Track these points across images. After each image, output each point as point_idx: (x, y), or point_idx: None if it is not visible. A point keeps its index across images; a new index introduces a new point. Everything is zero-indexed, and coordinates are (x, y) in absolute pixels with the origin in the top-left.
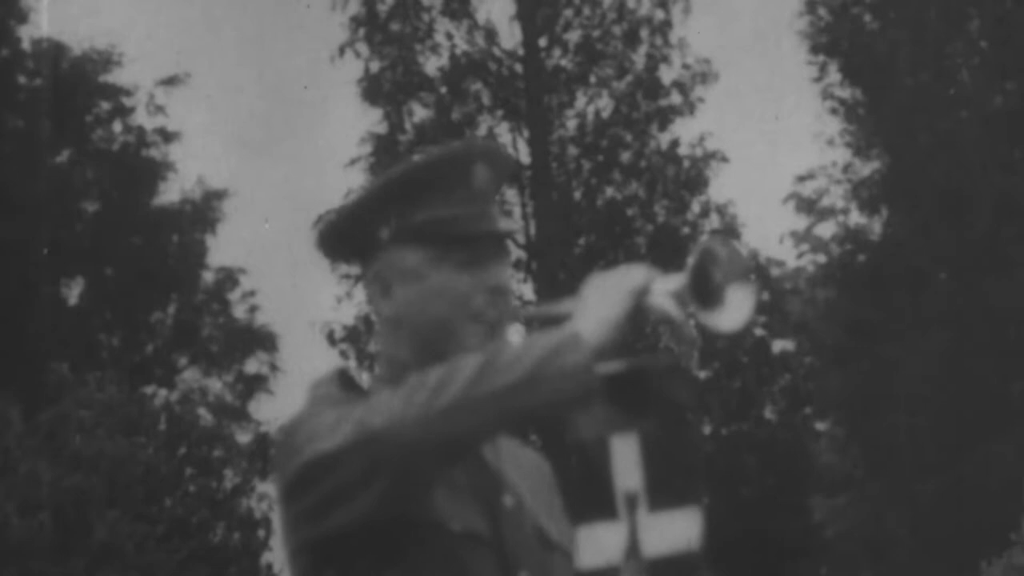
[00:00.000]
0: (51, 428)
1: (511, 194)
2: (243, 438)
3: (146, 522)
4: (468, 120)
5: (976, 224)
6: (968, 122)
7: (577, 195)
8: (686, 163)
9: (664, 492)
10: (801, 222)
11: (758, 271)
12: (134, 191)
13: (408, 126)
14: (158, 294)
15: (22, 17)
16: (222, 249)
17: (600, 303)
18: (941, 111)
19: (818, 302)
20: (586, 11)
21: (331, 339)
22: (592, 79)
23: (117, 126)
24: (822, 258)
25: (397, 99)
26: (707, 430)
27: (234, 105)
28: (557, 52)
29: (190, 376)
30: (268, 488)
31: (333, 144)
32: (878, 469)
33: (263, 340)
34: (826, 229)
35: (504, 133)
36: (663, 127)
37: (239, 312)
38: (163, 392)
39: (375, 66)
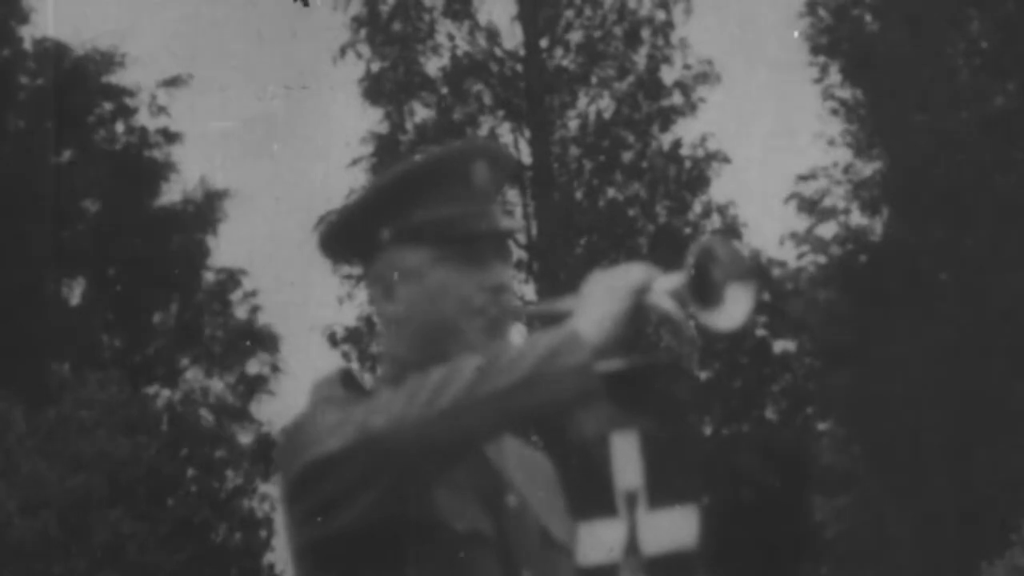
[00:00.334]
0: (53, 428)
1: (513, 194)
2: (245, 439)
3: (148, 522)
4: (469, 120)
5: (977, 225)
6: (969, 122)
7: (579, 195)
8: (688, 164)
9: (663, 490)
10: (802, 223)
11: (759, 271)
12: (136, 192)
13: (409, 126)
14: (160, 294)
15: (23, 17)
16: (224, 250)
17: (600, 301)
18: (942, 112)
19: (819, 302)
20: (587, 11)
21: (333, 340)
22: (593, 79)
23: (119, 127)
24: (823, 259)
25: (398, 99)
26: (707, 430)
27: (235, 105)
28: (559, 52)
29: (192, 376)
30: (270, 489)
31: (334, 144)
32: (879, 469)
33: (265, 341)
34: (827, 230)
35: (505, 133)
36: (665, 128)
37: (241, 313)
38: (165, 392)
39: (376, 66)
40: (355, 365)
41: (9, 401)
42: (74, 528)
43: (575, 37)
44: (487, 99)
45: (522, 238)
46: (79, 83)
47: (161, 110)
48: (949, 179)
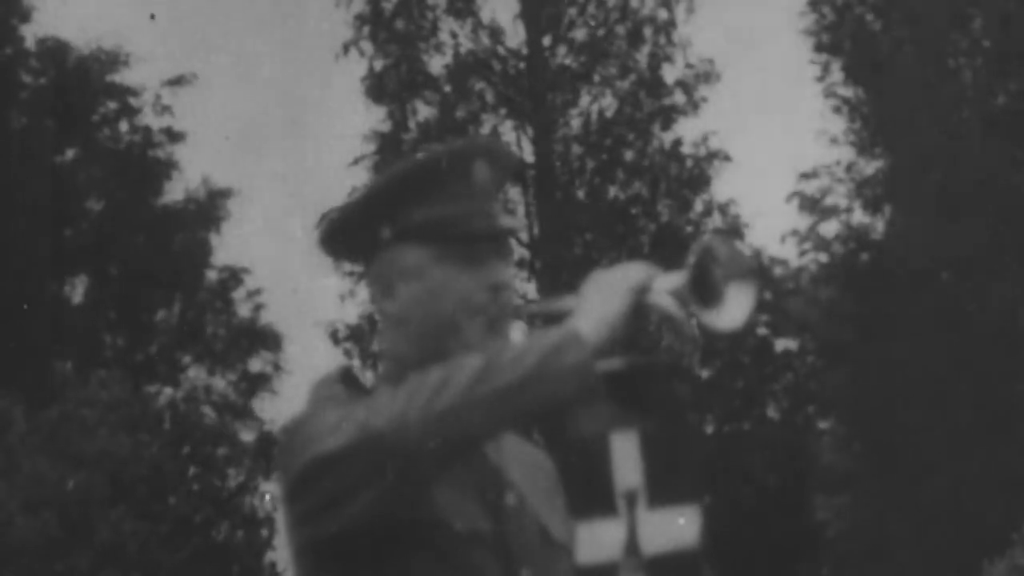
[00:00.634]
0: (54, 427)
1: (515, 192)
2: (247, 437)
3: (150, 520)
4: (472, 118)
5: (979, 223)
6: (971, 121)
7: (580, 194)
8: (689, 162)
9: (663, 490)
10: (804, 221)
11: (760, 270)
12: (139, 191)
13: (412, 124)
14: (162, 293)
15: (25, 16)
16: (226, 248)
17: (600, 301)
18: (944, 110)
19: (821, 301)
20: (590, 10)
21: (335, 338)
22: (596, 78)
23: (123, 126)
24: (825, 257)
25: (401, 97)
26: (709, 429)
27: (238, 104)
28: (561, 51)
29: (194, 375)
30: (271, 487)
31: (337, 142)
32: (880, 468)
33: (267, 339)
34: (829, 228)
35: (508, 132)
36: (666, 126)
37: (243, 311)
38: (167, 391)
39: (379, 64)
40: (357, 363)
41: (10, 399)
42: (76, 526)
43: (578, 36)
44: (490, 97)
45: (524, 236)
46: (82, 82)
47: (165, 109)
48: (951, 178)
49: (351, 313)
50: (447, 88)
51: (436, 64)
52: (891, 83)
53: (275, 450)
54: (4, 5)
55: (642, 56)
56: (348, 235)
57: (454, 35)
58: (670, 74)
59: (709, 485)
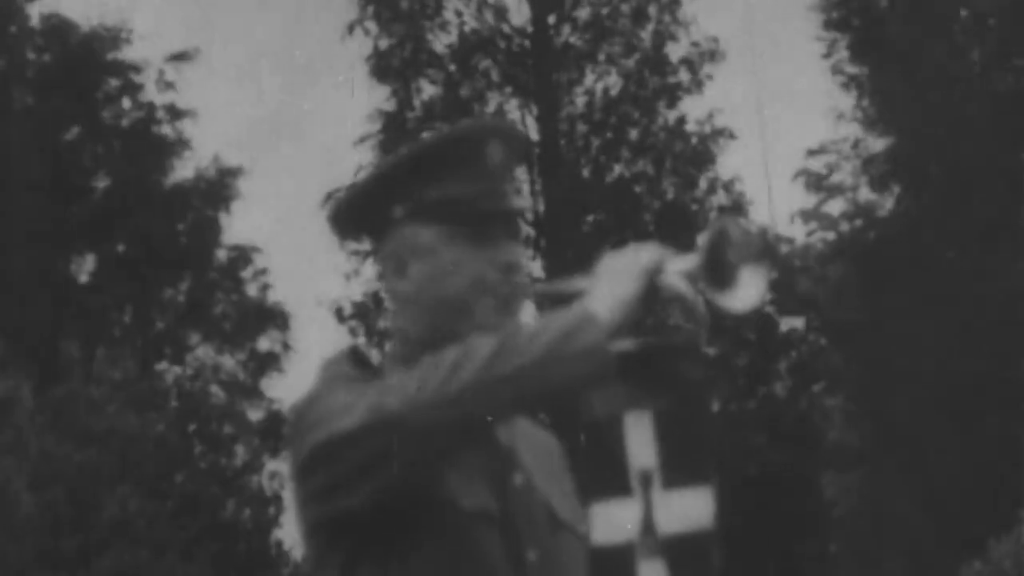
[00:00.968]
0: (62, 405)
1: (520, 171)
2: (254, 415)
3: (157, 498)
4: (477, 97)
5: (986, 202)
6: (978, 100)
7: (586, 172)
8: (694, 140)
9: (678, 470)
10: (810, 199)
11: (773, 251)
12: (145, 168)
13: (417, 103)
14: (170, 271)
15: None
16: (236, 227)
17: (614, 282)
18: (951, 89)
19: (827, 279)
20: None
21: (340, 316)
22: (601, 56)
23: (126, 103)
24: (831, 235)
25: (406, 76)
26: (715, 407)
27: (245, 82)
28: (566, 29)
29: (202, 353)
30: (279, 465)
31: (342, 121)
32: (887, 446)
33: (275, 318)
34: (835, 206)
35: (513, 110)
36: (671, 105)
37: (252, 290)
38: (175, 369)
39: (384, 43)
40: (362, 341)
41: (18, 377)
42: (83, 504)
43: (582, 14)
44: (495, 76)
45: (529, 214)
46: (86, 59)
47: (168, 86)
48: (958, 157)
49: (356, 291)
50: (452, 67)
51: (441, 43)
52: (898, 60)
53: (285, 429)
54: None
55: (647, 34)
56: (360, 214)
57: (459, 14)
58: (675, 52)
59: (715, 464)
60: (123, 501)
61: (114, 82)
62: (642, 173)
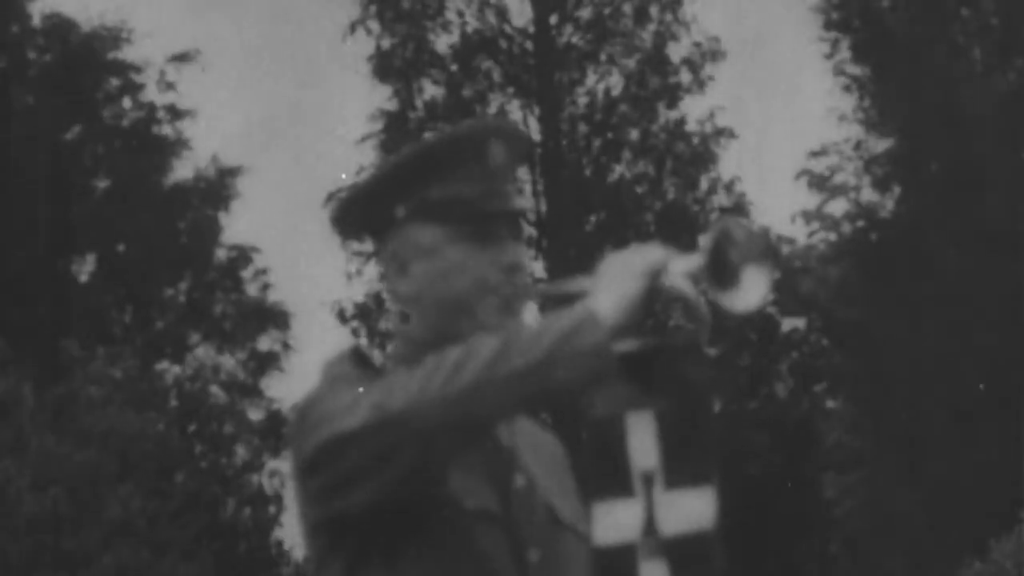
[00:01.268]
0: (62, 404)
1: (522, 171)
2: (255, 415)
3: (158, 498)
4: (479, 97)
5: (988, 203)
6: (979, 100)
7: (587, 172)
8: (695, 140)
9: (680, 471)
10: (813, 200)
11: (775, 252)
12: (145, 168)
13: (419, 103)
14: (170, 271)
15: None
16: (235, 227)
17: (617, 282)
18: (953, 88)
19: (829, 280)
20: None
21: (342, 316)
22: (602, 57)
23: (127, 103)
24: (833, 235)
25: (408, 76)
26: (717, 408)
27: (246, 82)
28: (568, 30)
29: (202, 353)
30: (279, 465)
31: (344, 121)
32: (889, 447)
33: (275, 318)
34: (837, 207)
35: (515, 111)
36: (672, 105)
37: (252, 290)
38: (175, 369)
39: (386, 43)
40: (364, 341)
41: (19, 377)
42: (83, 503)
43: (584, 14)
44: (496, 76)
45: (531, 215)
46: (87, 59)
47: (169, 86)
48: (959, 156)
49: (358, 291)
50: (454, 67)
51: (443, 43)
52: (900, 61)
53: (287, 429)
54: None
55: (648, 34)
56: (362, 213)
57: (461, 14)
58: (676, 52)
59: (718, 462)
60: (124, 500)
61: (115, 82)
62: (643, 173)
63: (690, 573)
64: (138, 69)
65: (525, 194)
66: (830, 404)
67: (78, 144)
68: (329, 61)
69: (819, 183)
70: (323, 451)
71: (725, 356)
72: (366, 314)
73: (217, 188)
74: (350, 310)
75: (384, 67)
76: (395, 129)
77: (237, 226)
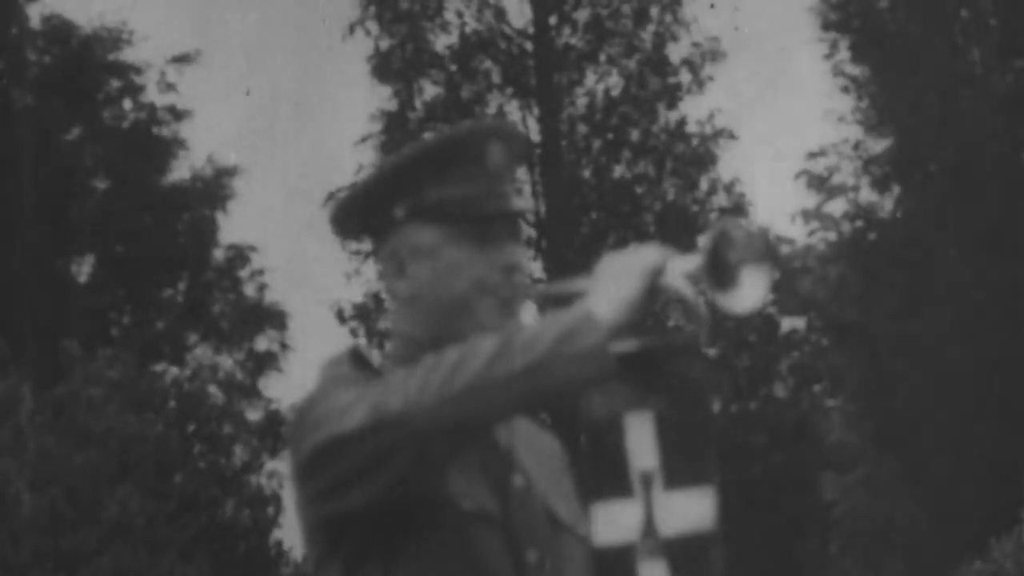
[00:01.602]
0: (61, 405)
1: (521, 172)
2: (253, 415)
3: (156, 498)
4: (478, 98)
5: (987, 203)
6: (978, 101)
7: (586, 173)
8: (695, 141)
9: (680, 471)
10: (811, 200)
11: (774, 252)
12: (144, 169)
13: (418, 104)
14: (168, 272)
15: None
16: (233, 227)
17: (615, 283)
18: (951, 89)
19: (828, 279)
20: None
21: (340, 316)
22: (601, 57)
23: (127, 104)
24: (832, 235)
25: (407, 76)
26: (716, 408)
27: (245, 83)
28: (567, 30)
29: (200, 353)
30: (278, 465)
31: (343, 121)
32: (888, 447)
33: (273, 318)
34: (836, 207)
35: (514, 111)
36: (672, 105)
37: (249, 290)
38: (173, 369)
39: (385, 44)
40: (363, 341)
41: (18, 377)
42: (82, 504)
43: (583, 15)
44: (495, 77)
45: (530, 215)
46: (87, 61)
47: (170, 87)
48: (958, 156)
49: (356, 291)
50: (453, 67)
51: (442, 43)
52: (898, 61)
53: (285, 429)
54: None
55: (647, 35)
56: (361, 213)
57: (460, 14)
58: (675, 53)
59: (716, 464)
60: (122, 501)
61: (115, 83)
62: (643, 174)
63: (690, 573)
64: (138, 70)
65: (524, 195)
66: (829, 404)
67: (77, 145)
68: (328, 61)
69: (818, 183)
70: (321, 452)
71: (725, 356)
72: (365, 314)
73: (214, 188)
74: (349, 310)
75: (383, 68)
76: (394, 129)
77: (236, 226)
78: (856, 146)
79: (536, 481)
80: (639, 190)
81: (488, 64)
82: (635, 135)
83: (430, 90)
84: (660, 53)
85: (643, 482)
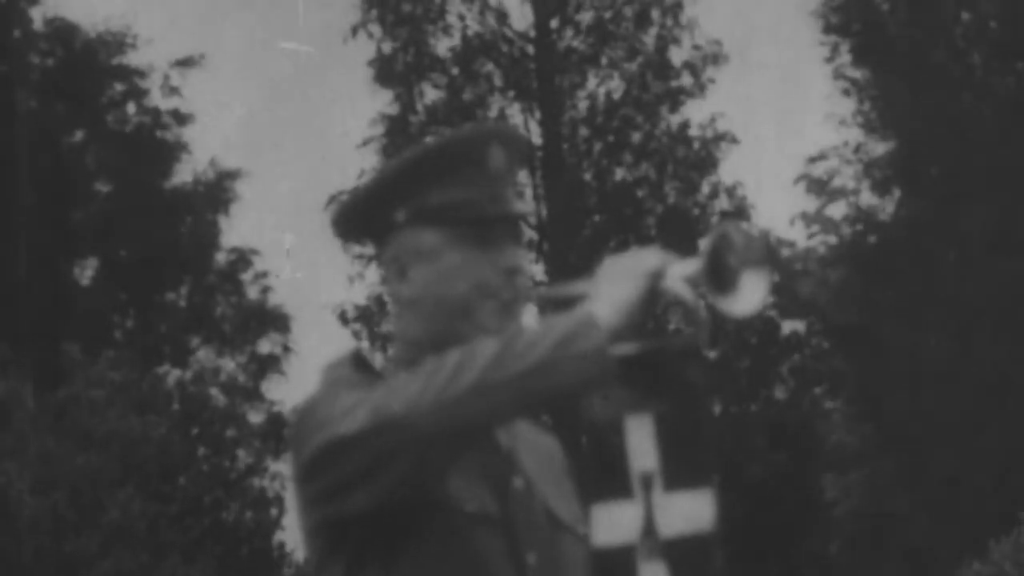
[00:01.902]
0: (64, 407)
1: (522, 175)
2: (256, 418)
3: (159, 501)
4: (479, 101)
5: (987, 205)
6: (979, 103)
7: (588, 176)
8: (696, 144)
9: (679, 473)
10: (812, 203)
11: (773, 256)
12: (148, 172)
13: (420, 107)
14: (171, 275)
15: None
16: (235, 230)
17: (616, 286)
18: (952, 92)
19: (829, 282)
20: None
21: (343, 319)
22: (603, 60)
23: (131, 108)
24: (833, 239)
25: (409, 80)
26: (716, 410)
27: (247, 86)
28: (568, 33)
29: (203, 356)
30: (281, 467)
31: (345, 125)
32: (888, 448)
33: (276, 321)
34: (837, 210)
35: (515, 114)
36: (674, 109)
37: (252, 293)
38: (176, 372)
39: (387, 47)
40: (366, 344)
41: (20, 380)
42: (85, 507)
43: (585, 18)
44: (497, 80)
45: (532, 218)
46: (90, 64)
47: (173, 91)
48: (959, 159)
49: (359, 294)
50: (454, 71)
51: (443, 47)
52: (899, 64)
53: (287, 432)
54: None
55: (649, 38)
56: (362, 217)
57: (461, 17)
58: (677, 56)
59: (716, 466)
60: (125, 504)
61: (118, 87)
62: (644, 177)
63: (689, 574)
64: (141, 74)
65: (526, 198)
66: (830, 406)
67: (80, 148)
68: (330, 65)
69: (819, 187)
70: (323, 454)
71: (725, 359)
72: (368, 317)
73: (216, 191)
74: (352, 313)
75: (385, 71)
76: (396, 133)
77: (245, 229)
78: (857, 149)
79: (537, 483)
80: (640, 193)
81: (490, 67)
82: (637, 138)
83: (432, 93)
84: (662, 56)
85: (643, 483)
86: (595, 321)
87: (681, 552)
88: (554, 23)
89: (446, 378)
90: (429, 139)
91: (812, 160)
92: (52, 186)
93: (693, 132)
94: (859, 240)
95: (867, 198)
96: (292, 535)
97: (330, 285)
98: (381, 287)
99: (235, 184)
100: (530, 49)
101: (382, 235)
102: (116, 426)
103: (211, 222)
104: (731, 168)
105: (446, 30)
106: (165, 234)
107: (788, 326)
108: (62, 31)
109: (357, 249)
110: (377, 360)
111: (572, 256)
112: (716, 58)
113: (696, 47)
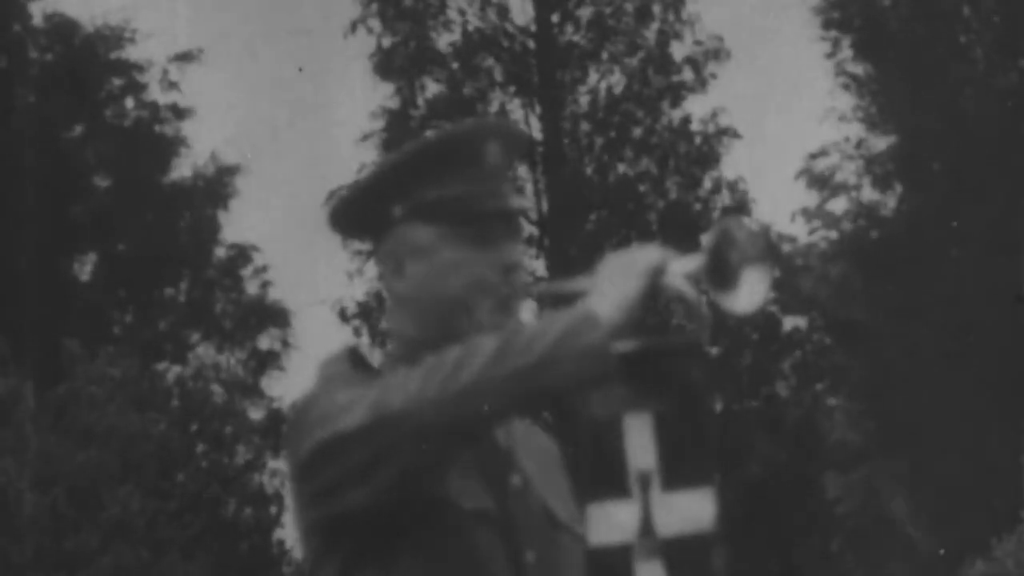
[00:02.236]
0: (63, 404)
1: (523, 170)
2: (255, 414)
3: (158, 498)
4: (480, 96)
5: (989, 201)
6: (981, 99)
7: (589, 171)
8: (698, 139)
9: (679, 472)
10: (813, 198)
11: (775, 252)
12: (147, 167)
13: (420, 101)
14: (170, 270)
15: None
16: (235, 225)
17: (616, 283)
18: (954, 88)
19: (830, 278)
20: None
21: (343, 315)
22: (604, 55)
23: (130, 102)
24: (834, 234)
25: (409, 74)
26: (718, 407)
27: (247, 80)
28: (569, 28)
29: (202, 352)
30: (280, 464)
31: (345, 119)
32: (890, 446)
33: (275, 316)
34: (838, 205)
35: (516, 109)
36: (675, 103)
37: (251, 288)
38: (175, 368)
39: (387, 41)
40: (365, 340)
41: (19, 376)
42: (84, 503)
43: (586, 13)
44: (498, 75)
45: (533, 213)
46: (90, 59)
47: (172, 85)
48: (960, 155)
49: (359, 290)
50: (455, 65)
51: (444, 41)
52: (901, 59)
53: (284, 429)
54: None
55: (651, 33)
56: (358, 213)
57: (462, 12)
58: (679, 51)
59: (717, 463)
60: (124, 500)
61: (117, 81)
62: (646, 172)
63: (688, 574)
64: (140, 68)
65: (524, 193)
66: (832, 403)
67: (79, 143)
68: (330, 59)
69: (820, 183)
70: (320, 451)
71: (726, 355)
72: (367, 313)
73: (216, 186)
74: (352, 309)
75: (385, 65)
76: (396, 127)
77: (243, 224)
78: (858, 144)
79: (535, 481)
80: (642, 188)
81: (491, 62)
82: (638, 133)
83: (432, 88)
84: (663, 51)
85: (640, 482)
86: (596, 317)
87: (680, 551)
88: (555, 18)
89: (446, 374)
90: (426, 134)
91: (813, 156)
92: (51, 181)
93: (694, 127)
94: (860, 236)
95: (868, 194)
96: (291, 532)
97: (330, 281)
98: (380, 283)
99: (234, 179)
100: (531, 44)
101: (379, 231)
102: (115, 422)
103: (210, 217)
104: (732, 163)
105: (447, 24)
106: (164, 229)
107: (789, 322)
108: (61, 26)
109: (357, 245)
110: (376, 357)
111: (573, 251)
112: (717, 53)
113: (697, 42)
